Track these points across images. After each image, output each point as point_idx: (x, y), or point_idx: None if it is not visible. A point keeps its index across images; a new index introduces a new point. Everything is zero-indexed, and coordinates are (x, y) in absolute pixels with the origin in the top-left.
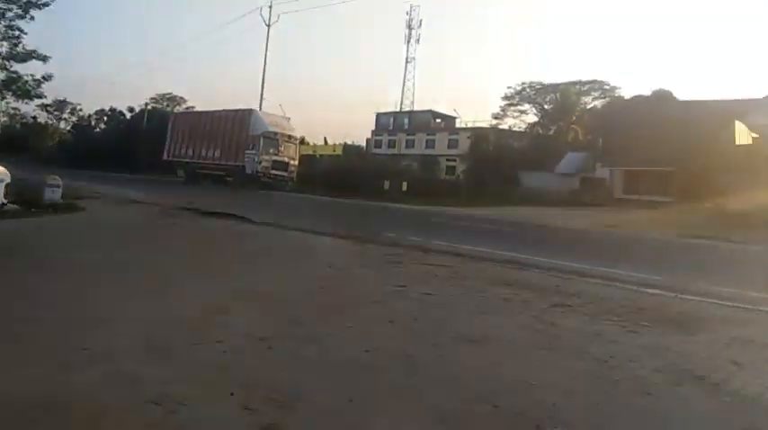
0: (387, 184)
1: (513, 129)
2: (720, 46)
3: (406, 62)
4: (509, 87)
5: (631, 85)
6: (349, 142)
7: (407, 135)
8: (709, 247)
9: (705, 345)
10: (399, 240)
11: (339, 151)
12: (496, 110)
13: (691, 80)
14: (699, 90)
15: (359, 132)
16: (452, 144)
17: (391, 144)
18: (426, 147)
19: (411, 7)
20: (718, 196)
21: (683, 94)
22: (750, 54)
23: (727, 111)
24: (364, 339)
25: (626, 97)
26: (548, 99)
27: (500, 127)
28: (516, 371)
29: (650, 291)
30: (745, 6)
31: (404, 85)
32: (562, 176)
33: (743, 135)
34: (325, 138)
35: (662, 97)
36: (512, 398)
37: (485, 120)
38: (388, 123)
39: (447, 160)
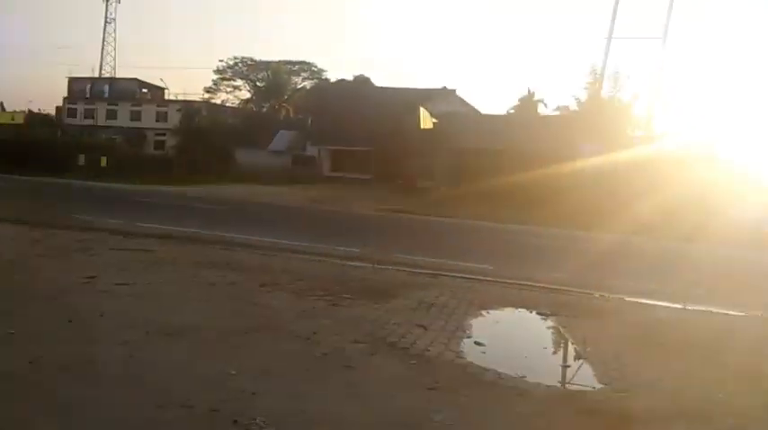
0: (82, 159)
1: (227, 104)
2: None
3: (106, 22)
4: (221, 61)
5: (337, 70)
6: (34, 111)
7: (108, 105)
8: (403, 220)
9: (396, 312)
10: (95, 224)
11: (20, 120)
12: (208, 84)
13: (389, 68)
14: (394, 77)
15: (47, 99)
16: (161, 117)
17: (88, 114)
18: (132, 119)
19: None
20: (407, 175)
21: (380, 80)
22: (438, 48)
23: (413, 98)
24: (31, 346)
25: (331, 80)
26: (260, 77)
27: (213, 101)
28: (215, 362)
29: (353, 263)
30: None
31: (103, 48)
32: (276, 154)
33: (426, 120)
34: (1, 104)
35: (362, 82)
36: (208, 394)
37: (196, 94)
38: (85, 90)
39: (156, 134)
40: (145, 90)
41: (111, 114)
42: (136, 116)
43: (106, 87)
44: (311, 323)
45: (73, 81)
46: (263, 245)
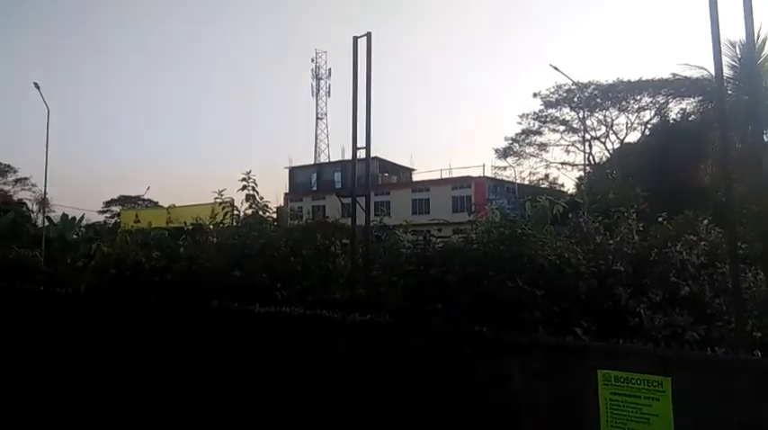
0: None
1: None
2: None
3: (317, 118)
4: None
5: None
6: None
7: (378, 194)
8: None
9: None
10: None
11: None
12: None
13: None
14: None
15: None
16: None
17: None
18: (419, 211)
19: (317, 54)
20: None
21: None
22: None
23: None
24: None
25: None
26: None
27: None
28: None
29: None
30: None
31: (316, 143)
32: None
33: None
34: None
35: None
36: None
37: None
38: (310, 180)
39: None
40: (386, 173)
41: (383, 206)
42: (418, 207)
43: (337, 174)
44: None
45: (294, 171)
46: None
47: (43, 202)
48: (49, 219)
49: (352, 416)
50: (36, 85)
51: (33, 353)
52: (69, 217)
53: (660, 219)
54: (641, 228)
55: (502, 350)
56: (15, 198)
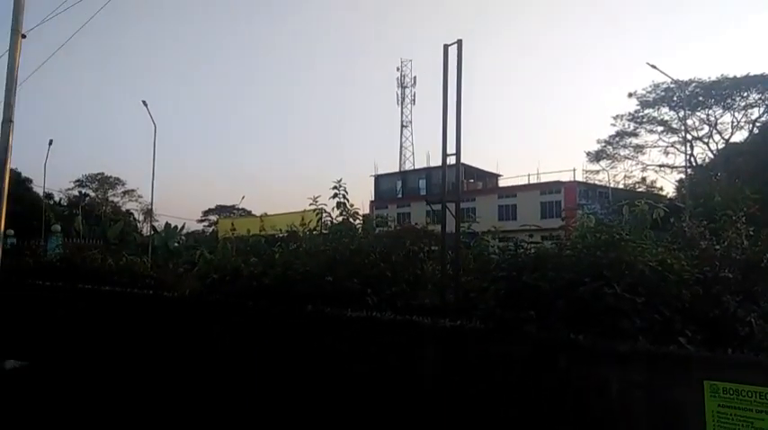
0: None
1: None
2: None
3: (402, 126)
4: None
5: None
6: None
7: (464, 201)
8: None
9: None
10: None
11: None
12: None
13: None
14: None
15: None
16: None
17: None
18: (506, 218)
19: (402, 63)
20: None
21: None
22: None
23: None
24: None
25: None
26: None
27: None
28: None
29: None
30: None
31: (401, 150)
32: None
33: None
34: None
35: None
36: None
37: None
38: (394, 188)
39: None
40: (471, 180)
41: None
42: (506, 213)
43: (422, 182)
44: None
45: (380, 179)
46: None
47: (149, 212)
48: (153, 227)
49: (439, 423)
50: (144, 103)
51: (142, 352)
52: (171, 226)
53: None
54: (751, 233)
55: (599, 359)
56: (124, 208)
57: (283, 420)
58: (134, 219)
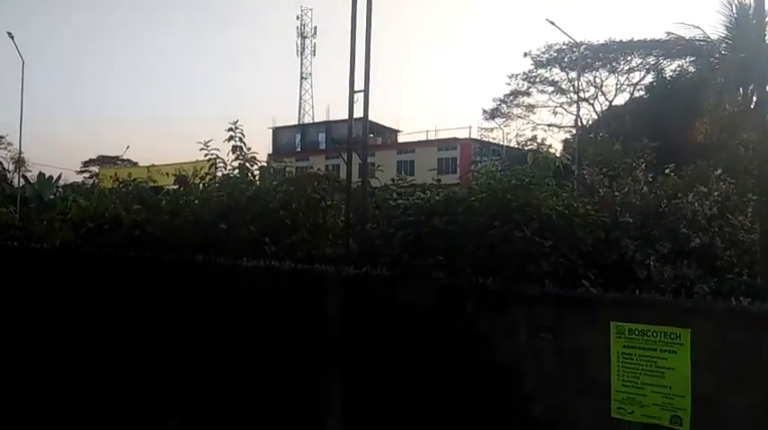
0: None
1: None
2: None
3: (302, 78)
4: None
5: None
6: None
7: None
8: None
9: None
10: None
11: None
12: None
13: None
14: None
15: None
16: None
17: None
18: (404, 173)
19: (302, 11)
20: None
21: None
22: None
23: None
24: None
25: None
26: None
27: None
28: None
29: None
30: None
31: (300, 103)
32: None
33: None
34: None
35: None
36: None
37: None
38: (292, 141)
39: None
40: (371, 134)
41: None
42: (404, 167)
43: (322, 135)
44: None
45: (278, 131)
46: None
47: (19, 161)
48: (25, 178)
49: (341, 370)
50: (10, 35)
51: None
52: (47, 176)
53: (668, 171)
54: (650, 180)
55: (507, 303)
56: None
57: (163, 375)
58: (3, 168)
